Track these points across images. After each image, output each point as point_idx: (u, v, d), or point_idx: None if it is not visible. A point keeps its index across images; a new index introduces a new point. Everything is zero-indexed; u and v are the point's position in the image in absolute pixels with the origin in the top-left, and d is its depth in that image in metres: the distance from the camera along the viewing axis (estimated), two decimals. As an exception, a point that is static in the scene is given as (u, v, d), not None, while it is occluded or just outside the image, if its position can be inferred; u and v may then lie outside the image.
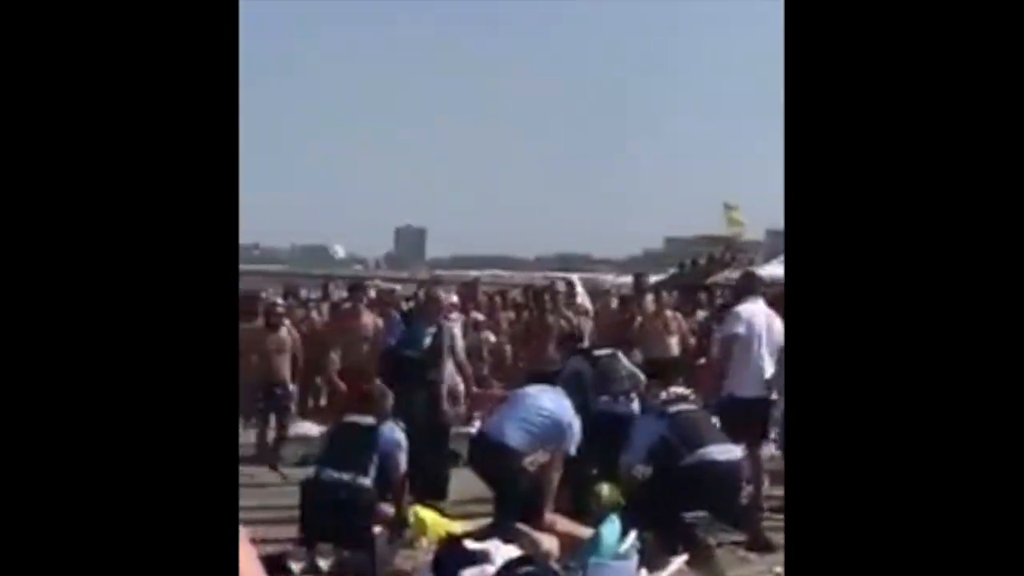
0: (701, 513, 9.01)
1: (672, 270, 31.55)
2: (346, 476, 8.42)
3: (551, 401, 9.06)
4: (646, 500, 8.49)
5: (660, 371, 10.06)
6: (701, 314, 17.04)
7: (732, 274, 22.26)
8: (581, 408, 9.28)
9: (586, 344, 11.23)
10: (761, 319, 10.07)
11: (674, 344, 14.88)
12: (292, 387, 13.77)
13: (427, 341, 10.94)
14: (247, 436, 15.00)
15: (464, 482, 10.62)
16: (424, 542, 8.73)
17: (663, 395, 9.50)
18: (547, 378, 9.99)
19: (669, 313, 15.54)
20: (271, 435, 13.35)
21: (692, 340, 15.37)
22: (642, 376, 10.24)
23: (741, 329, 10.01)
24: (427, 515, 9.14)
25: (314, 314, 17.68)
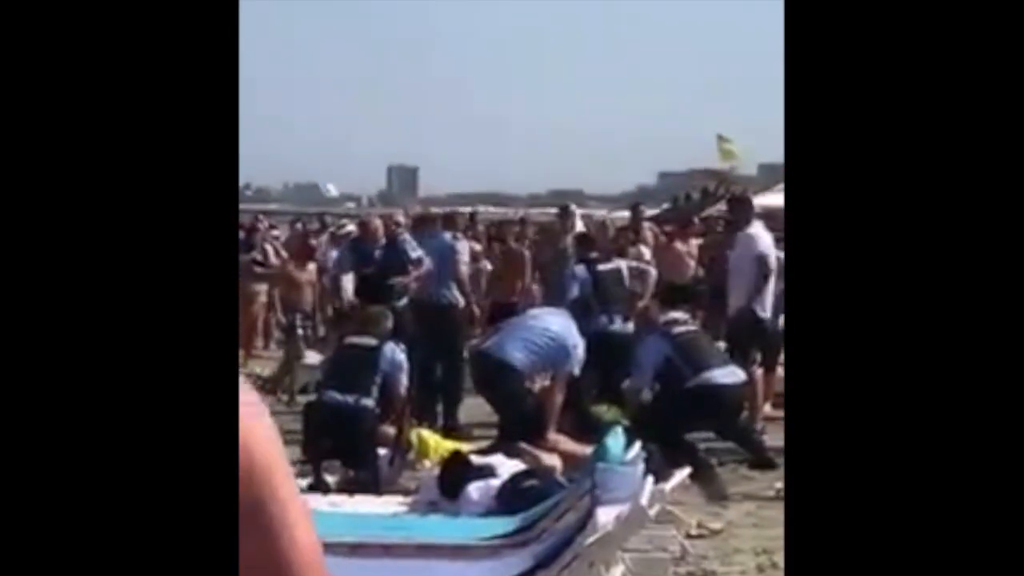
0: (704, 433, 9.09)
1: (666, 205, 31.53)
2: (350, 398, 8.44)
3: (556, 323, 9.07)
4: (650, 419, 8.53)
5: (674, 295, 10.12)
6: (694, 242, 17.07)
7: (725, 207, 22.30)
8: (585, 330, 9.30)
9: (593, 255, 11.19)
10: (769, 240, 10.09)
11: (689, 268, 15.00)
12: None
13: (378, 256, 11.20)
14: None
15: (466, 409, 10.70)
16: (427, 464, 8.77)
17: (664, 317, 9.55)
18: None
19: (692, 241, 15.70)
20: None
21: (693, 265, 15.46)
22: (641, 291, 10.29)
23: (762, 248, 10.01)
24: (430, 437, 9.18)
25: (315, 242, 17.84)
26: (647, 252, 14.24)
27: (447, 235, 11.94)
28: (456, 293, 11.38)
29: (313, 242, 17.28)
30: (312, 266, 14.11)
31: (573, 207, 16.21)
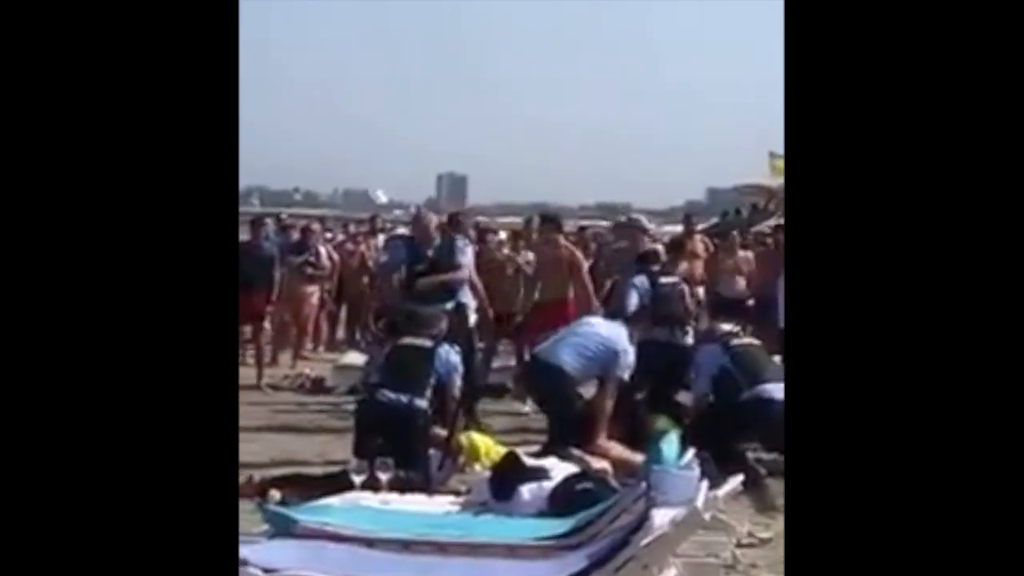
0: (755, 444, 9.08)
1: (715, 219, 31.46)
2: (403, 397, 8.48)
3: (607, 328, 9.14)
4: (703, 428, 8.54)
5: (728, 308, 10.14)
6: (743, 256, 17.06)
7: (775, 223, 22.23)
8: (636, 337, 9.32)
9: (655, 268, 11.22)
10: None
11: (741, 283, 15.04)
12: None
13: (431, 255, 11.01)
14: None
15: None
16: (476, 467, 8.78)
17: (722, 329, 9.57)
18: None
19: (742, 254, 15.72)
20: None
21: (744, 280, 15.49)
22: (697, 308, 10.27)
23: None
24: (480, 440, 9.20)
25: (362, 248, 17.95)
26: (699, 266, 14.25)
27: (459, 239, 11.86)
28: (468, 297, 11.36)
29: (362, 247, 17.41)
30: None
31: (628, 218, 16.21)
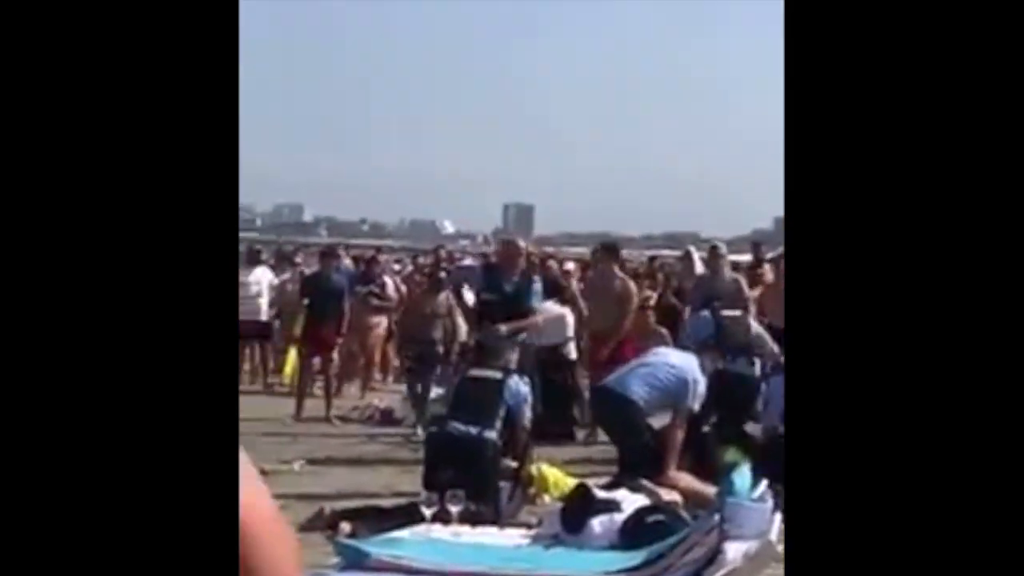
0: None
1: (782, 249, 31.25)
2: (473, 429, 8.50)
3: (677, 358, 9.09)
4: (773, 460, 8.47)
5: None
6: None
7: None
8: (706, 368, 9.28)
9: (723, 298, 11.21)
10: None
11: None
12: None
13: (508, 288, 10.81)
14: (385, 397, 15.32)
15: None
16: (547, 499, 8.77)
17: (790, 359, 9.51)
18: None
19: None
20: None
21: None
22: (768, 339, 10.21)
23: None
24: (550, 472, 9.19)
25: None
26: (769, 295, 14.17)
27: (537, 282, 11.67)
28: None
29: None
30: (441, 297, 14.01)
31: (692, 250, 16.14)
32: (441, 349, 13.48)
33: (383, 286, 16.18)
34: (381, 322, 16.12)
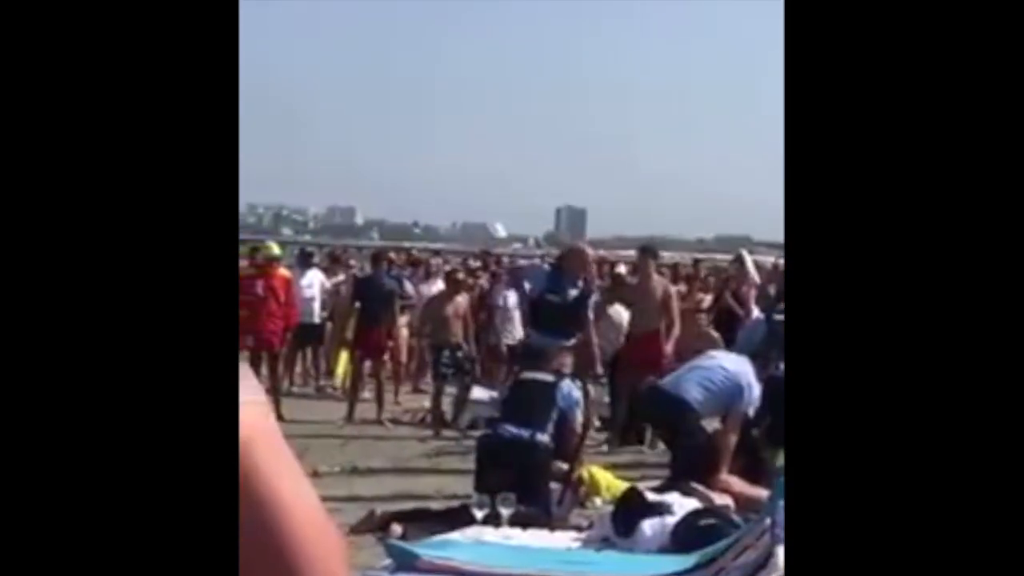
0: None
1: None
2: (525, 432, 8.50)
3: (732, 362, 9.06)
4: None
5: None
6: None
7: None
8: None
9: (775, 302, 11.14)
10: None
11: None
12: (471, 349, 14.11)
13: (571, 292, 10.87)
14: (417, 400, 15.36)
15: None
16: (597, 501, 8.76)
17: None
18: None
19: None
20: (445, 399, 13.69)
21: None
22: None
23: None
24: (601, 475, 9.18)
25: (482, 281, 18.02)
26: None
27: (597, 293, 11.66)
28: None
29: (481, 280, 17.46)
30: (461, 299, 14.02)
31: (744, 253, 16.05)
32: (461, 352, 13.56)
33: (401, 283, 16.13)
34: (404, 321, 16.14)
